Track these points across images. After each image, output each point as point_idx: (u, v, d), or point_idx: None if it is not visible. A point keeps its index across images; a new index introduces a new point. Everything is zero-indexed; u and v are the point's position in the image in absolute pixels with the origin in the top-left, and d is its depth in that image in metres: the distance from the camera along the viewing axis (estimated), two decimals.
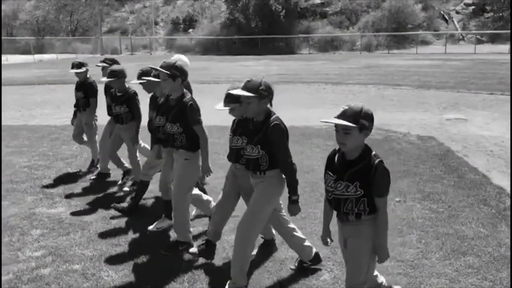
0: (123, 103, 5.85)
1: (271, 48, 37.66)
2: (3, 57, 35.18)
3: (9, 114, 12.19)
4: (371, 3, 41.94)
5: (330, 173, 2.98)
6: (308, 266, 4.04)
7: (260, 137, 3.55)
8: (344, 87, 16.55)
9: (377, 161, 2.85)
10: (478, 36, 35.99)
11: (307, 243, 4.05)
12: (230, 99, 3.97)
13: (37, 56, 37.58)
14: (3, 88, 17.71)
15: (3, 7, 51.21)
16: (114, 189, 6.27)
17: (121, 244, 4.61)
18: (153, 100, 5.27)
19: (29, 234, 4.85)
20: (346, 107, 2.84)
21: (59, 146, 8.56)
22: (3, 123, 10.68)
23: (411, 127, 9.78)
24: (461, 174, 6.58)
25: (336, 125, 2.85)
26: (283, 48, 38.86)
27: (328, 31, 40.64)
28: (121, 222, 5.15)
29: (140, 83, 5.25)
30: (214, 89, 14.05)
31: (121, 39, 44.49)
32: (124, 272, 4.06)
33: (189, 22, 45.89)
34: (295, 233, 4.06)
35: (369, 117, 2.85)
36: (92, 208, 5.56)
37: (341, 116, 2.81)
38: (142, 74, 5.23)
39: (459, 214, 5.18)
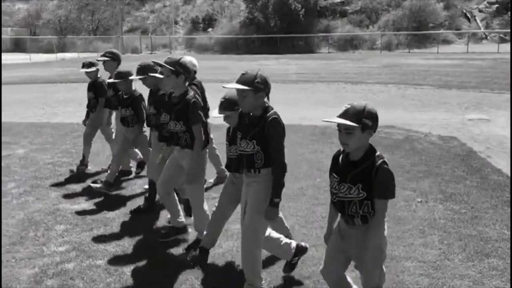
0: (128, 106, 5.79)
1: (290, 47, 37.65)
2: (26, 56, 36.01)
3: (32, 111, 12.46)
4: (392, 1, 41.59)
5: (334, 175, 2.90)
6: (296, 261, 3.92)
7: (256, 132, 3.36)
8: (364, 86, 16.44)
9: (380, 161, 2.76)
10: (501, 35, 35.34)
11: (282, 241, 3.85)
12: (225, 106, 3.88)
13: (60, 55, 38.24)
14: (27, 86, 18.14)
15: (26, 7, 52.31)
16: (135, 186, 6.35)
17: (143, 240, 4.67)
18: (152, 95, 5.25)
19: (53, 229, 4.95)
20: (349, 106, 2.75)
21: (81, 143, 8.65)
22: (27, 120, 10.98)
23: (433, 127, 9.65)
24: (484, 175, 6.48)
25: (339, 125, 2.77)
26: (303, 47, 38.81)
27: (348, 30, 40.46)
28: (143, 218, 5.21)
29: (140, 78, 5.17)
30: None
31: (141, 38, 44.99)
32: (146, 268, 4.12)
33: (209, 21, 46.17)
34: (267, 236, 3.79)
35: (373, 116, 2.75)
36: (114, 204, 5.63)
37: (343, 115, 2.73)
38: (142, 68, 5.18)
39: (483, 216, 5.10)
